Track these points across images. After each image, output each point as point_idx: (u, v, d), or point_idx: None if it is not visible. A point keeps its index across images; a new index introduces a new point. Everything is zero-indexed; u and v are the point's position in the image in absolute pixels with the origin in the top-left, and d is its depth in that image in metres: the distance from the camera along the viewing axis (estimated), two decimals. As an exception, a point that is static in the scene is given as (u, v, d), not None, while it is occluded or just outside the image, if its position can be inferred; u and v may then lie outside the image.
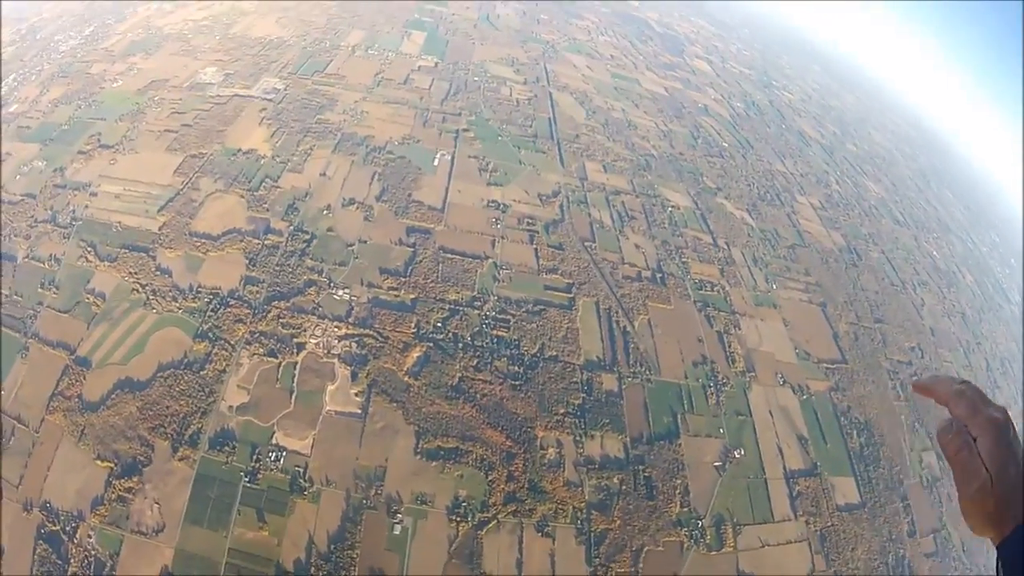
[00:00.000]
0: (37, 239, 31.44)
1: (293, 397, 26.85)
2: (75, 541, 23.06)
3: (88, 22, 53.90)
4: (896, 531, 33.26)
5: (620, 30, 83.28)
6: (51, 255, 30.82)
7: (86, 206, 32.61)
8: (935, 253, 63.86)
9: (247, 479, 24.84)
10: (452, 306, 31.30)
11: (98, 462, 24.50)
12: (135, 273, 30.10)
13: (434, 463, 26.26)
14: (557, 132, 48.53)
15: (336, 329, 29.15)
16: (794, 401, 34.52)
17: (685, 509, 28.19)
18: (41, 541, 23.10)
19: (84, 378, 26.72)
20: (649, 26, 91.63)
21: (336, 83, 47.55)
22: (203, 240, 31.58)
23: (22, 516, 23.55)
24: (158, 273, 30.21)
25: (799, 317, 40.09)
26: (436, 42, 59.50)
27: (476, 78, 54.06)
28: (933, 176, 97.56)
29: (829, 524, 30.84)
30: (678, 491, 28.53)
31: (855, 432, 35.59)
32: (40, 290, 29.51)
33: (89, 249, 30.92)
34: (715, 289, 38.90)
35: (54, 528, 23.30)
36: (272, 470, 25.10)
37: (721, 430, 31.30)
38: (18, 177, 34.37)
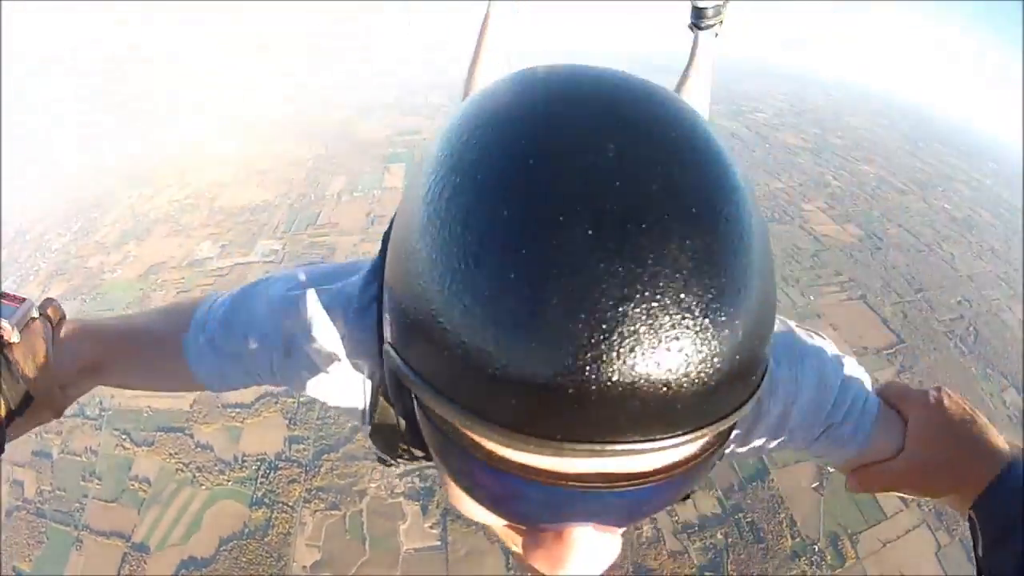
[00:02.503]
0: (69, 433, 30.42)
1: (367, 544, 25.45)
2: None
3: (74, 218, 54.19)
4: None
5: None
6: (86, 447, 29.82)
7: (112, 396, 31.42)
8: (946, 205, 63.11)
9: (341, 639, 23.28)
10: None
11: (185, 654, 22.69)
12: (175, 453, 29.06)
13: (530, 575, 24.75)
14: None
15: (394, 468, 27.75)
16: (868, 398, 32.99)
17: (797, 540, 26.66)
18: None
19: (145, 563, 25.40)
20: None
21: (331, 231, 47.42)
22: (237, 410, 30.67)
23: None
24: (199, 449, 29.18)
25: (844, 317, 38.84)
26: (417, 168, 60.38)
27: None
28: (918, 137, 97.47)
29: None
30: (784, 524, 27.03)
31: (934, 401, 33.95)
32: (83, 482, 28.43)
33: (124, 436, 29.91)
34: (757, 325, 37.58)
35: None
36: (365, 624, 23.58)
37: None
38: (40, 378, 33.59)
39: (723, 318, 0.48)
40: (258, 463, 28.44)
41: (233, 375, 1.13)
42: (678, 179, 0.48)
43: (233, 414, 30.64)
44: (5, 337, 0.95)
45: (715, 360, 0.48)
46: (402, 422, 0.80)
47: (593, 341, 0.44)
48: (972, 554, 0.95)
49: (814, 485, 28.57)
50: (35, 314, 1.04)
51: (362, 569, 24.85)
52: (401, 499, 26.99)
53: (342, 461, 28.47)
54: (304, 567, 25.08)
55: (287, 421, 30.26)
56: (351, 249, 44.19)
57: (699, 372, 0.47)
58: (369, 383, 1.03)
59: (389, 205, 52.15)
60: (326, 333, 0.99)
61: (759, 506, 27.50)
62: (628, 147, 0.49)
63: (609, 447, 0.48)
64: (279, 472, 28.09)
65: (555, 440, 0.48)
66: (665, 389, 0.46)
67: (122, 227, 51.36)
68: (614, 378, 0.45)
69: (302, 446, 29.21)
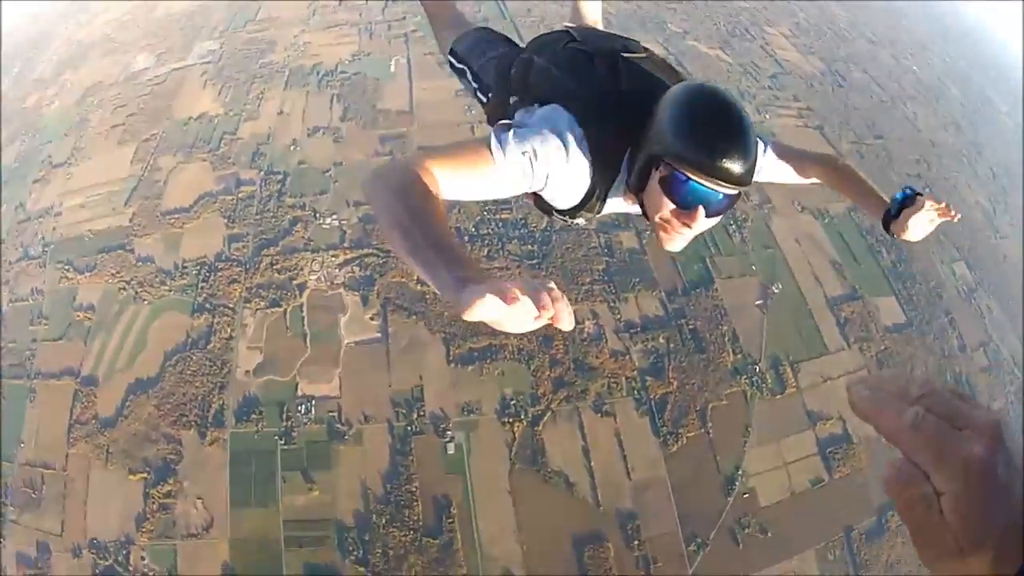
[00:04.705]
0: (16, 279, 29.76)
1: (308, 340, 25.42)
2: (130, 569, 21.67)
3: (12, 62, 50.87)
4: (948, 347, 32.28)
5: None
6: (32, 289, 29.16)
7: (54, 228, 30.88)
8: (915, 68, 61.78)
9: (282, 442, 23.34)
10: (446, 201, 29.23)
11: (131, 477, 22.98)
12: (117, 273, 28.47)
13: (470, 367, 24.79)
14: (507, 11, 45.05)
15: (333, 258, 27.47)
16: (817, 226, 33.03)
17: (739, 356, 26.97)
18: (99, 583, 21.94)
19: (95, 396, 25.12)
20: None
21: (271, 25, 44.56)
22: (176, 215, 29.91)
23: (74, 564, 22.01)
24: (140, 264, 28.57)
25: (800, 142, 35.26)
26: (360, -42, 54.58)
27: (412, -20, 50.22)
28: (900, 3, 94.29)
29: (883, 348, 29.74)
30: (727, 338, 27.28)
31: (884, 250, 34.01)
32: (31, 327, 27.80)
33: (67, 268, 29.21)
34: (710, 127, 36.75)
35: (107, 563, 21.89)
36: (306, 424, 23.60)
37: (753, 267, 30.00)
38: (-18, 232, 32.31)
39: (749, 156, 1.89)
40: (198, 267, 27.91)
41: (526, 161, 2.02)
42: (740, 117, 1.92)
43: (173, 220, 29.88)
44: None
45: (748, 162, 1.89)
46: (598, 204, 2.43)
47: (726, 152, 1.85)
48: None
49: (758, 302, 28.91)
50: None
51: (304, 367, 24.86)
52: (341, 290, 26.74)
53: (282, 255, 28.05)
54: (247, 371, 24.99)
55: (226, 220, 29.52)
56: (292, 42, 41.98)
57: (746, 164, 1.88)
58: (589, 182, 2.23)
59: (331, -6, 50.99)
60: (583, 154, 2.13)
61: (702, 315, 27.77)
62: (726, 107, 1.92)
63: (723, 181, 1.87)
64: (220, 273, 27.60)
65: (714, 176, 1.86)
66: (740, 168, 1.87)
67: (58, 59, 48.49)
68: (726, 161, 1.85)
69: (242, 243, 28.63)
